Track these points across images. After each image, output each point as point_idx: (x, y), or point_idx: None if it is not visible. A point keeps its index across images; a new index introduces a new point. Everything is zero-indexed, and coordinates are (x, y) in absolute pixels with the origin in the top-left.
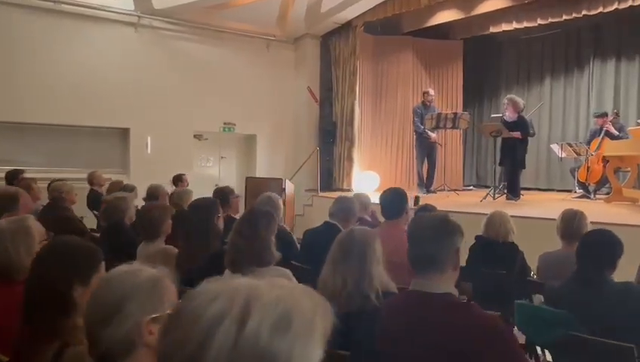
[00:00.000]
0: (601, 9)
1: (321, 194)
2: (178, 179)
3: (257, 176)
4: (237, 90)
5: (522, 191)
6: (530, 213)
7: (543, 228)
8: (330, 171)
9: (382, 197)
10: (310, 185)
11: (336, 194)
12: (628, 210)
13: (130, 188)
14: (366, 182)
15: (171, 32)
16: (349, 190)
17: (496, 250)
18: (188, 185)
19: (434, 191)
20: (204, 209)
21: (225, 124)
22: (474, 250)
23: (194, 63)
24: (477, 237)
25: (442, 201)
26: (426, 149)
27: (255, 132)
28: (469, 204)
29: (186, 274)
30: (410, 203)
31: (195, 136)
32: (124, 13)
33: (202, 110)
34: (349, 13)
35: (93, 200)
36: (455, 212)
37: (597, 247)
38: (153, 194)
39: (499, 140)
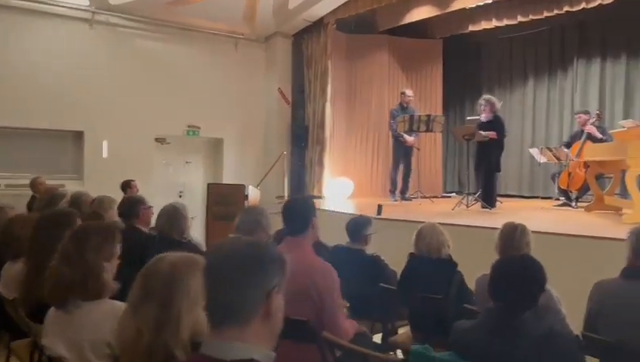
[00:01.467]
0: (584, 5)
1: None
2: (126, 186)
3: (225, 182)
4: (202, 92)
5: (503, 199)
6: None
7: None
8: (301, 177)
9: (283, 208)
10: (280, 191)
11: None
12: (608, 221)
13: (61, 196)
14: (338, 188)
15: (130, 30)
16: (320, 197)
17: (429, 267)
18: (138, 191)
19: (409, 199)
20: (51, 223)
21: (189, 127)
22: (406, 269)
23: (155, 63)
24: (409, 255)
25: (411, 209)
26: (403, 154)
27: (222, 136)
28: (439, 213)
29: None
30: (373, 212)
31: (157, 139)
32: (77, 9)
33: (165, 112)
34: (320, 10)
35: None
36: (419, 222)
37: (512, 282)
38: (75, 202)
39: (474, 144)
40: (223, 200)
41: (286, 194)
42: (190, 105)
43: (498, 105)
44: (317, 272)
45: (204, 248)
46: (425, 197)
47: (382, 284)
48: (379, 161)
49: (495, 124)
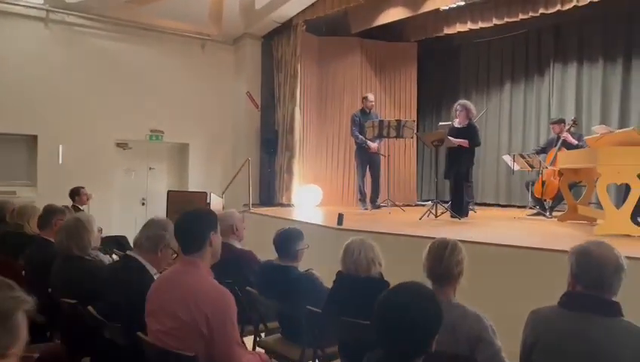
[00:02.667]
0: (559, 7)
1: (253, 210)
2: (75, 193)
3: (191, 189)
4: (167, 95)
5: (478, 208)
6: (466, 236)
7: (478, 257)
8: (271, 184)
9: (175, 223)
10: (247, 199)
11: (273, 210)
12: (578, 232)
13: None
14: (307, 196)
15: (88, 29)
16: (289, 205)
17: (357, 287)
18: (88, 199)
19: (379, 207)
20: None
21: (152, 131)
22: (333, 289)
23: (116, 64)
24: (337, 274)
25: (376, 219)
26: (367, 161)
27: (188, 141)
28: (404, 223)
29: None
30: (334, 221)
31: (118, 144)
32: (31, 7)
33: (126, 116)
34: (287, 11)
35: None
36: (381, 233)
37: (391, 327)
38: None
39: (444, 150)
40: (184, 208)
41: (251, 202)
42: (153, 109)
43: (474, 111)
44: (207, 299)
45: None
46: (396, 206)
47: (308, 307)
48: (350, 167)
49: (469, 131)
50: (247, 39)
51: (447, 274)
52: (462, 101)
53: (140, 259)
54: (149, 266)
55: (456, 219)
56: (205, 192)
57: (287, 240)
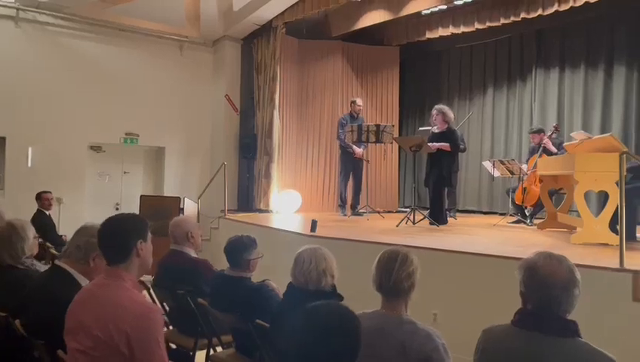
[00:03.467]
0: (540, 11)
1: (228, 216)
2: (37, 198)
3: (166, 194)
4: (143, 97)
5: (460, 214)
6: (440, 244)
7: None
8: (249, 190)
9: (98, 230)
10: (228, 204)
11: (250, 216)
12: (556, 240)
13: None
14: (286, 202)
15: (61, 29)
16: (267, 211)
17: (306, 301)
18: (51, 205)
19: (360, 214)
20: None
21: (127, 134)
22: (282, 302)
23: (89, 65)
24: (288, 285)
25: (352, 226)
26: (351, 165)
27: (164, 144)
28: (380, 231)
29: None
30: (307, 228)
31: (91, 147)
32: (1, 5)
33: (100, 118)
34: (266, 13)
35: None
36: (355, 241)
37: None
38: None
39: (426, 156)
40: (156, 213)
41: (226, 208)
42: (128, 112)
43: (451, 115)
44: (128, 316)
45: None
46: (376, 212)
47: (257, 321)
48: (331, 173)
49: (448, 135)
50: (227, 41)
51: (397, 288)
52: (437, 106)
53: (69, 269)
54: (79, 277)
55: (435, 226)
56: (179, 197)
57: (238, 249)
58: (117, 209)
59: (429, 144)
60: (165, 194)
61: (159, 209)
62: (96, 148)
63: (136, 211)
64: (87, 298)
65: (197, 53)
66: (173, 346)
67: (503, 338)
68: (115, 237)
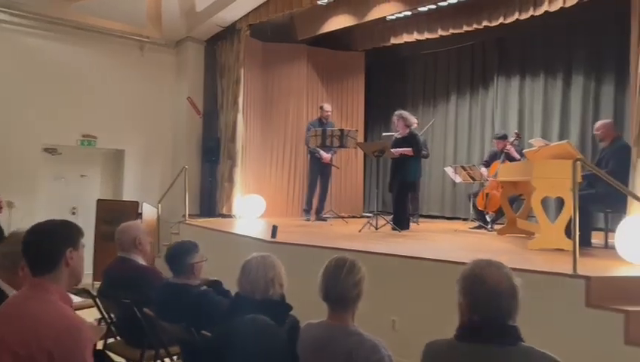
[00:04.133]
0: (502, 20)
1: (189, 221)
2: None
3: (125, 198)
4: (101, 98)
5: (423, 220)
6: (400, 250)
7: (411, 272)
8: (212, 194)
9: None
10: (190, 209)
11: (211, 222)
12: (512, 245)
13: None
14: (249, 207)
15: (16, 27)
16: (229, 216)
17: (254, 311)
18: (1, 208)
19: (324, 219)
20: None
21: (84, 136)
22: (228, 312)
23: (45, 63)
24: (235, 295)
25: (314, 231)
26: (319, 171)
27: (124, 147)
28: (342, 236)
29: None
30: (268, 233)
31: (46, 149)
32: None
33: (56, 119)
34: (230, 15)
35: None
36: (316, 246)
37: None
38: None
39: (389, 161)
40: (113, 218)
41: (187, 213)
42: (86, 113)
43: (412, 119)
44: (51, 331)
45: None
46: (340, 217)
47: (203, 332)
48: (296, 177)
49: (410, 139)
50: (189, 43)
51: (344, 297)
52: (397, 111)
53: None
54: (6, 288)
55: (397, 232)
56: (137, 202)
57: (179, 253)
58: (73, 213)
59: (391, 150)
60: (125, 199)
61: (117, 214)
62: (51, 151)
63: (93, 216)
64: (9, 311)
65: (159, 54)
66: (120, 358)
67: (447, 353)
68: (41, 246)
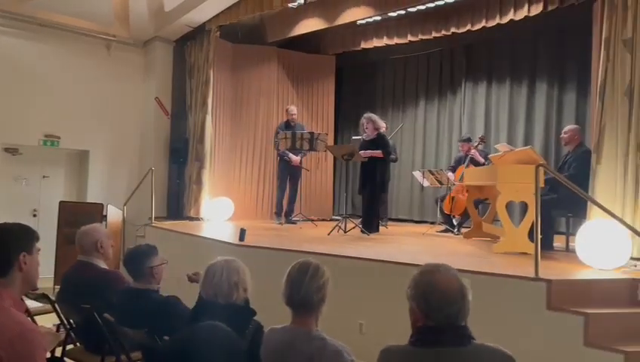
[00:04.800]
0: (469, 26)
1: (155, 223)
2: None
3: (90, 200)
4: (66, 97)
5: (392, 223)
6: (367, 253)
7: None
8: (179, 197)
9: None
10: (157, 211)
11: (178, 224)
12: (478, 249)
13: None
14: (217, 209)
15: None
16: (197, 219)
17: (217, 316)
18: None
19: (294, 222)
20: None
21: (46, 136)
22: (190, 317)
23: (6, 61)
24: (197, 299)
25: (283, 234)
26: (288, 173)
27: (88, 147)
28: (310, 239)
29: None
30: (236, 236)
31: (6, 149)
32: None
33: (16, 119)
34: (199, 16)
35: None
36: (285, 250)
37: None
38: None
39: (358, 164)
40: (77, 220)
41: (154, 216)
42: (49, 112)
43: (380, 122)
44: (3, 339)
45: None
46: (309, 220)
47: (165, 337)
48: (265, 180)
49: (379, 142)
50: (158, 42)
51: (307, 301)
52: (367, 114)
53: None
54: None
55: (365, 235)
56: (101, 204)
57: (137, 257)
58: (34, 216)
59: (360, 152)
60: (89, 201)
61: (80, 216)
62: (11, 151)
63: (55, 218)
64: None
65: (126, 54)
66: None
67: (404, 359)
68: None
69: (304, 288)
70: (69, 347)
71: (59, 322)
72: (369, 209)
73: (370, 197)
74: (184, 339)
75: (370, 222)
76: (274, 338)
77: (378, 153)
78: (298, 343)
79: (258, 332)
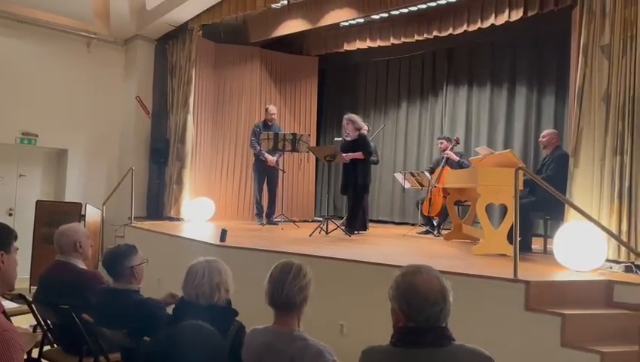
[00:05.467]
0: (451, 30)
1: (135, 224)
2: None
3: (68, 200)
4: (44, 95)
5: (372, 224)
6: (348, 254)
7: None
8: (160, 197)
9: None
10: (137, 211)
11: (158, 225)
12: (457, 250)
13: None
14: (198, 210)
15: None
16: (178, 219)
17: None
18: None
19: (275, 223)
20: None
21: (23, 134)
22: (172, 319)
23: None
24: (179, 300)
25: (264, 235)
26: (264, 174)
27: (67, 146)
28: (292, 240)
29: None
30: (217, 237)
31: None
32: None
33: None
34: (181, 14)
35: None
36: (266, 251)
37: None
38: None
39: (340, 165)
40: (54, 220)
41: (133, 216)
42: (26, 110)
43: (361, 123)
44: None
45: None
46: (291, 221)
47: (145, 338)
48: (247, 180)
49: (360, 143)
50: (139, 41)
51: (289, 301)
52: (347, 115)
53: None
54: None
55: (347, 236)
56: (80, 203)
57: (117, 257)
58: (10, 215)
59: (343, 154)
60: (67, 200)
61: (58, 215)
62: None
63: (32, 218)
64: None
65: (106, 52)
66: None
67: (386, 359)
68: None
69: (286, 288)
70: (46, 348)
71: (35, 323)
72: (357, 208)
73: (357, 197)
74: (167, 339)
75: (355, 223)
76: (256, 339)
77: (359, 155)
78: (280, 344)
79: (240, 332)
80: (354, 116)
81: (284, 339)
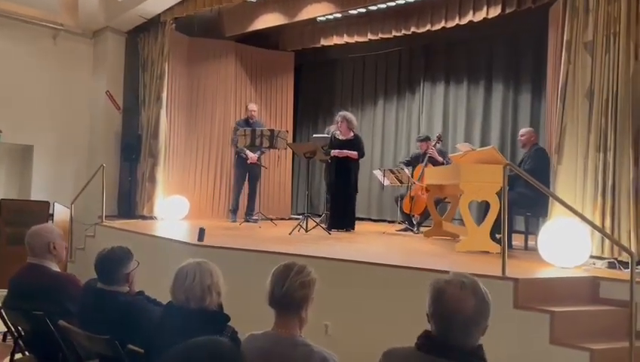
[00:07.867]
0: (429, 27)
1: (106, 223)
2: None
3: (34, 198)
4: (6, 89)
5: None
6: (330, 253)
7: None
8: (132, 195)
9: None
10: (108, 210)
11: (131, 223)
12: (439, 248)
13: None
14: (172, 208)
15: None
16: (150, 218)
17: (188, 322)
18: None
19: (254, 221)
20: None
21: None
22: (158, 323)
23: None
24: (167, 304)
25: (243, 234)
26: (245, 171)
27: (32, 142)
28: (273, 239)
29: None
30: (194, 236)
31: None
32: None
33: None
34: (154, 7)
35: None
36: (246, 250)
37: None
38: None
39: (319, 163)
40: (20, 220)
41: (104, 214)
42: None
43: (355, 122)
44: None
45: None
46: (268, 219)
47: (130, 346)
48: (222, 178)
49: (355, 143)
50: (109, 33)
51: (289, 298)
52: (342, 112)
53: None
54: None
55: (327, 234)
56: (48, 202)
57: (113, 264)
58: None
59: (333, 151)
60: (33, 199)
61: (24, 215)
62: None
63: None
64: None
65: (74, 44)
66: None
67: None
68: None
69: (287, 282)
70: (18, 356)
71: (5, 330)
72: (349, 206)
73: (349, 197)
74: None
75: (351, 219)
76: (255, 346)
77: (354, 154)
78: (281, 350)
79: (234, 338)
80: (349, 115)
81: (286, 346)
